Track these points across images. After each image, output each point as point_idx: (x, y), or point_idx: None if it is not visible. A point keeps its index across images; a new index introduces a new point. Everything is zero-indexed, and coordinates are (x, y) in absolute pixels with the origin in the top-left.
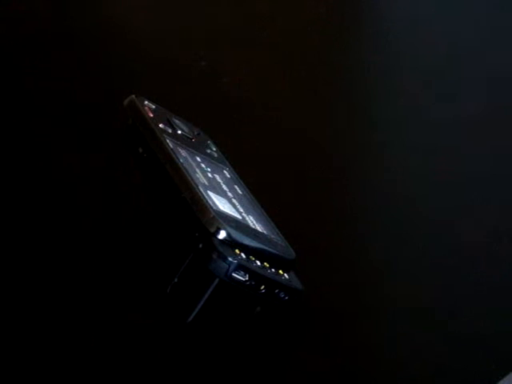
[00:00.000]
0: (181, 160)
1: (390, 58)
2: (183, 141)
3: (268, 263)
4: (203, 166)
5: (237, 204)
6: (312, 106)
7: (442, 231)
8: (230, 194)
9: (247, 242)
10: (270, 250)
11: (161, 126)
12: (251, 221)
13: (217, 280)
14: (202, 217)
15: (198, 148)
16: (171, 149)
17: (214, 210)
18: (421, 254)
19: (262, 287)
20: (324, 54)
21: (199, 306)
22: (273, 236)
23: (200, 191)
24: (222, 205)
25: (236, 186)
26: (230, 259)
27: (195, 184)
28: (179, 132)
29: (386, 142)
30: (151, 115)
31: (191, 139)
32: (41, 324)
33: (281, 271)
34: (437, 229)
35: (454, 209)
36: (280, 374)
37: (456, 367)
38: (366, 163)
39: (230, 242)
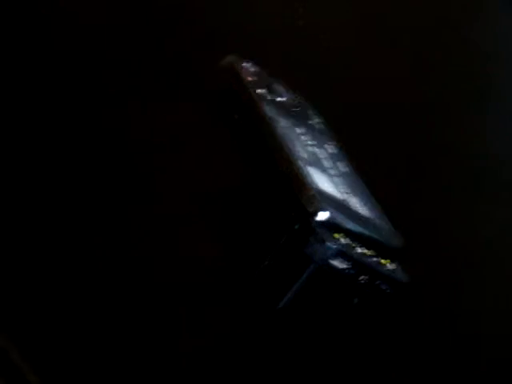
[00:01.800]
0: (279, 130)
1: None
2: (283, 109)
3: (371, 251)
4: (304, 138)
5: (339, 183)
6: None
7: None
8: (332, 172)
9: (349, 225)
10: (374, 236)
11: (260, 91)
12: (355, 202)
13: (313, 266)
14: (301, 195)
15: (299, 118)
16: (269, 117)
17: (313, 188)
18: None
19: (363, 277)
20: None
21: (291, 293)
22: (378, 221)
23: (299, 166)
24: (323, 183)
25: (339, 163)
26: (328, 244)
27: (294, 158)
28: (279, 99)
29: None
30: (250, 79)
31: (292, 108)
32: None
33: (385, 261)
34: None
35: None
36: (374, 374)
37: None
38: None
39: (329, 225)
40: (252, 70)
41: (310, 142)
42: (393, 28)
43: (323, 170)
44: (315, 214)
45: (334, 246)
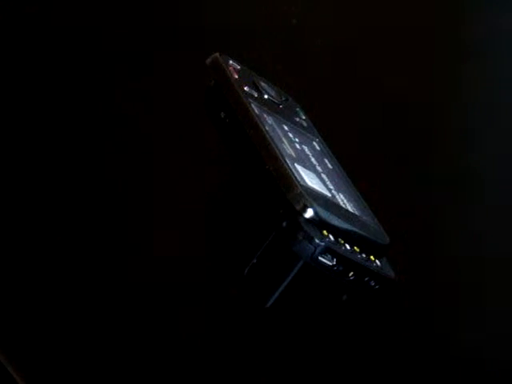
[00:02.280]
0: (266, 128)
1: None
2: (270, 106)
3: (359, 247)
4: (291, 135)
5: (326, 180)
6: (417, 70)
7: None
8: (319, 169)
9: (336, 222)
10: (361, 232)
11: (246, 88)
12: (342, 199)
13: (301, 263)
14: (288, 192)
15: (285, 115)
16: (256, 115)
17: (301, 186)
18: None
19: (351, 274)
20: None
21: (280, 291)
22: (365, 217)
23: (286, 163)
24: (311, 180)
25: (326, 160)
26: (316, 241)
27: (281, 155)
28: (266, 96)
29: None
30: (236, 76)
31: (279, 105)
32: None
33: (372, 257)
34: None
35: None
36: (366, 372)
37: None
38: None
39: (317, 222)
40: (238, 67)
41: (297, 139)
42: (389, 26)
43: (310, 167)
44: (303, 211)
45: (322, 243)
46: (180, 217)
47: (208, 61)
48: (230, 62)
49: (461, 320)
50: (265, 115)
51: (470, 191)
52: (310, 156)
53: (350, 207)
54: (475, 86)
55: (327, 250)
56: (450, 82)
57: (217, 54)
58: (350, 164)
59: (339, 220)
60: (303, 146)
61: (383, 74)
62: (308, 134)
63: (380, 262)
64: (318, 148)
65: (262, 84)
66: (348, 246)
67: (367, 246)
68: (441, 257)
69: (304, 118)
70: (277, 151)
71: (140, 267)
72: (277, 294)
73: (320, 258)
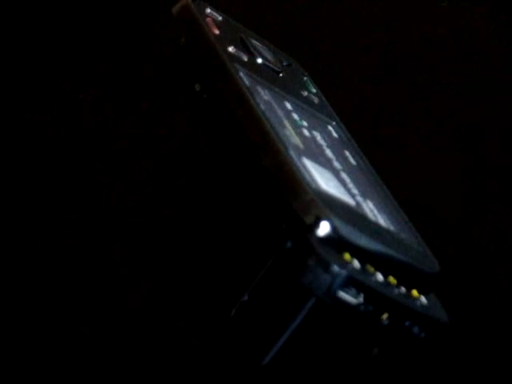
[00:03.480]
0: (261, 106)
1: None
2: (265, 75)
3: (396, 278)
4: (296, 116)
5: (348, 181)
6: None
7: None
8: (337, 165)
9: (364, 241)
10: (399, 256)
11: (231, 49)
12: (370, 209)
13: (312, 300)
14: (294, 199)
15: (288, 88)
16: (247, 87)
17: (312, 189)
18: None
19: (385, 316)
20: None
21: (281, 342)
22: (404, 235)
23: (291, 157)
24: (326, 181)
25: (347, 152)
26: (335, 268)
27: (283, 145)
28: (260, 61)
29: None
30: (216, 32)
31: (278, 73)
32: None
33: (415, 292)
34: None
35: None
36: None
37: None
38: None
39: (336, 242)
40: (220, 18)
41: (304, 123)
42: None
43: (325, 162)
44: (315, 226)
45: (344, 271)
46: (139, 240)
47: (175, 9)
48: (208, 10)
49: None
50: (258, 87)
51: None
52: (325, 146)
53: (382, 220)
54: None
55: (350, 282)
56: None
57: (188, 0)
58: (380, 159)
59: (367, 238)
60: (314, 133)
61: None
62: (320, 115)
63: (427, 300)
64: (335, 135)
65: (254, 42)
66: (380, 276)
67: (408, 275)
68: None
69: (314, 91)
70: (277, 140)
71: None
72: (277, 347)
73: (340, 292)
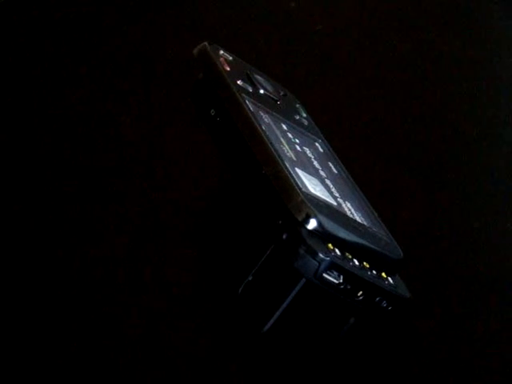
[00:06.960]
0: (263, 127)
1: None
2: (266, 103)
3: (368, 263)
4: (290, 135)
5: (331, 186)
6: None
7: None
8: (323, 173)
9: (343, 234)
10: (371, 246)
11: (239, 82)
12: (349, 208)
13: (303, 281)
14: (288, 200)
15: (284, 113)
16: (251, 112)
17: (302, 193)
18: None
19: (360, 293)
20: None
21: (278, 313)
22: (375, 228)
23: (286, 167)
24: (313, 186)
25: (331, 164)
26: (321, 255)
27: (280, 158)
28: (262, 91)
29: None
30: (228, 69)
31: (276, 101)
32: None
33: (384, 274)
34: None
35: None
36: None
37: None
38: None
39: (321, 234)
40: (230, 58)
41: (297, 140)
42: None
43: (313, 171)
44: (305, 221)
45: (327, 258)
46: (166, 229)
47: (195, 51)
48: (221, 52)
49: (482, 343)
50: (261, 113)
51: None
52: (313, 159)
53: (358, 217)
54: None
55: (333, 266)
56: None
57: (205, 43)
58: (357, 168)
59: (346, 231)
60: (304, 148)
61: (389, 66)
62: (310, 134)
63: (393, 280)
64: (321, 150)
65: (258, 77)
66: (356, 262)
67: (378, 261)
68: (461, 272)
69: (305, 115)
70: (275, 154)
71: (124, 282)
72: (275, 317)
73: (325, 275)
